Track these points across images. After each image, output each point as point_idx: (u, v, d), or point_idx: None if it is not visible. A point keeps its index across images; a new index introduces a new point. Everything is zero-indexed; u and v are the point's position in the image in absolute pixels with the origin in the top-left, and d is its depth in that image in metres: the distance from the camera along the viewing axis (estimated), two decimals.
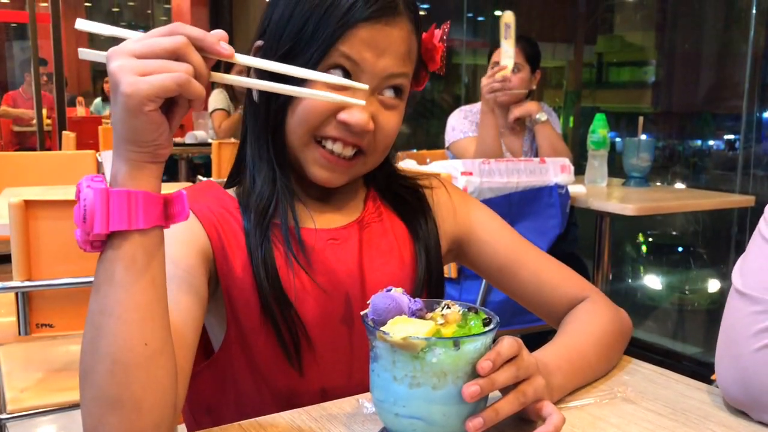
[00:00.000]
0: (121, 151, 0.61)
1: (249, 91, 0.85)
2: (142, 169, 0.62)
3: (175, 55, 0.60)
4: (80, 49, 0.63)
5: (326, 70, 0.78)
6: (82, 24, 0.63)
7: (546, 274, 0.94)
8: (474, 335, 0.64)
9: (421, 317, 0.66)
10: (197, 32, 0.62)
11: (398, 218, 0.92)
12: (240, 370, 0.83)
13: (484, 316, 0.67)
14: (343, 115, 0.79)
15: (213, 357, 0.84)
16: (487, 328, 0.65)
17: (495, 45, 2.76)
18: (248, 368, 0.83)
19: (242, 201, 0.85)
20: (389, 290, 0.67)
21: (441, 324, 0.65)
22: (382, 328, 0.63)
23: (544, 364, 0.76)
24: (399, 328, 0.63)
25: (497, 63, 2.68)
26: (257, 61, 0.68)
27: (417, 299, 0.67)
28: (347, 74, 0.79)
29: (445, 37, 0.87)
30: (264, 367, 0.82)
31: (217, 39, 0.63)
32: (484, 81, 2.52)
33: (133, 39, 0.61)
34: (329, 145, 0.81)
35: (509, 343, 0.66)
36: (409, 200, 0.93)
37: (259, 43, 0.84)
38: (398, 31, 0.80)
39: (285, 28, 0.79)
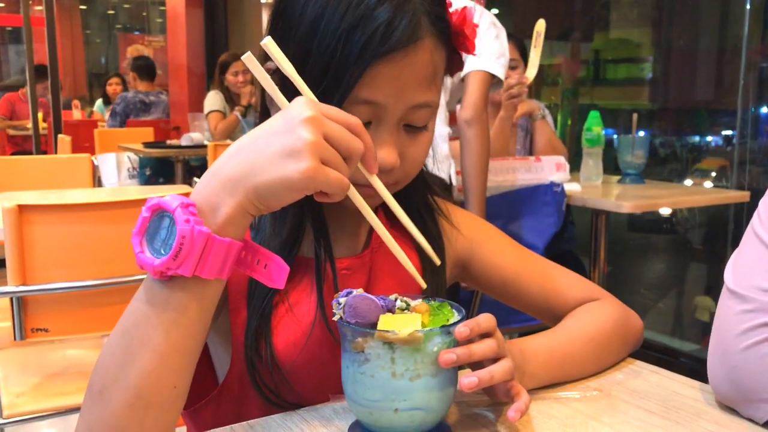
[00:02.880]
0: (239, 196, 0.59)
1: (264, 113, 0.80)
2: (246, 218, 0.60)
3: (348, 157, 0.61)
4: (248, 55, 0.62)
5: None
6: (271, 46, 0.63)
7: (551, 282, 0.93)
8: (465, 319, 0.66)
9: (391, 311, 0.67)
10: (369, 143, 0.63)
11: (407, 239, 0.87)
12: (245, 400, 0.81)
13: (439, 303, 0.70)
14: None
15: (218, 388, 0.82)
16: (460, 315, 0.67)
17: None
18: (254, 399, 0.80)
19: (254, 224, 0.82)
20: (350, 293, 0.66)
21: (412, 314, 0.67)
22: (380, 328, 0.63)
23: (520, 350, 0.77)
24: (396, 325, 0.63)
25: None
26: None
27: (381, 296, 0.67)
28: (369, 116, 0.72)
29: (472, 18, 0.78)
30: (272, 397, 0.80)
31: (375, 157, 0.65)
32: (504, 87, 2.50)
33: (324, 109, 0.60)
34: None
35: (487, 317, 0.67)
36: (427, 223, 0.88)
37: (273, 65, 0.75)
38: (422, 56, 0.71)
39: (303, 64, 0.69)
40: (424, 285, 0.71)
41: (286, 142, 0.58)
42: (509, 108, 2.47)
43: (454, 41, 0.77)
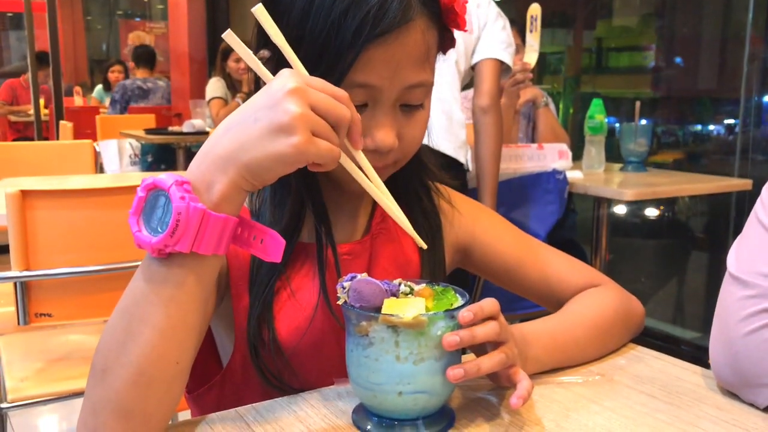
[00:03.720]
0: (231, 173, 0.59)
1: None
2: (241, 194, 0.61)
3: (336, 125, 0.60)
4: (228, 32, 0.61)
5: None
6: (260, 13, 0.62)
7: (552, 268, 0.93)
8: (469, 303, 0.66)
9: (395, 295, 0.67)
10: (356, 117, 0.62)
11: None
12: (249, 385, 0.82)
13: (443, 287, 0.70)
14: (366, 141, 0.73)
15: (222, 373, 0.83)
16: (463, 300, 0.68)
17: None
18: (257, 384, 0.81)
19: (255, 211, 0.82)
20: (354, 277, 0.66)
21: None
22: (384, 312, 0.64)
23: (522, 334, 0.77)
24: (400, 309, 0.64)
25: None
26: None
27: (385, 281, 0.68)
28: (365, 98, 0.73)
29: None
30: (274, 381, 0.80)
31: (360, 132, 0.64)
32: (518, 77, 2.49)
33: (308, 80, 0.60)
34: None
35: (491, 302, 0.67)
36: (423, 201, 0.88)
37: (266, 53, 0.76)
38: (414, 37, 0.71)
39: (297, 50, 0.67)
40: (424, 245, 0.70)
41: (273, 117, 0.58)
42: (512, 95, 2.47)
43: (445, 18, 0.76)
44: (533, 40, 2.49)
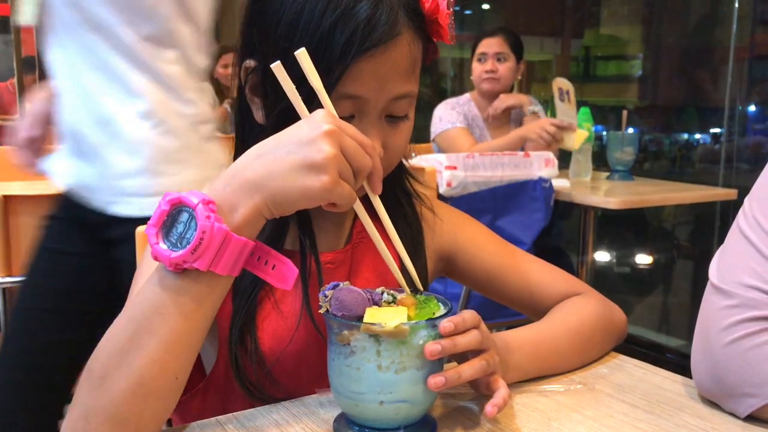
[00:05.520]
0: (257, 199, 0.61)
1: (243, 109, 0.80)
2: (261, 221, 0.63)
3: (358, 172, 0.63)
4: (277, 64, 0.63)
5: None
6: (303, 55, 0.64)
7: (534, 276, 0.93)
8: (452, 312, 0.66)
9: (377, 304, 0.67)
10: (378, 165, 0.65)
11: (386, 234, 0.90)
12: (232, 393, 0.81)
13: (425, 296, 0.70)
14: None
15: (205, 381, 0.82)
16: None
17: (479, 37, 2.78)
18: (240, 392, 0.80)
19: None
20: (336, 285, 0.67)
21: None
22: (366, 321, 0.64)
23: (505, 342, 0.77)
24: (382, 318, 0.64)
25: (483, 54, 2.70)
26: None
27: (367, 289, 0.68)
28: (352, 110, 0.74)
29: (450, 6, 0.78)
30: (255, 392, 0.80)
31: (381, 178, 0.67)
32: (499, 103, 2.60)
33: (340, 124, 0.62)
34: None
35: (472, 313, 0.68)
36: (405, 207, 0.89)
37: (252, 63, 0.77)
38: (401, 50, 0.73)
39: (284, 58, 0.67)
40: (420, 288, 0.72)
41: (307, 154, 0.60)
42: (534, 137, 2.49)
43: (428, 29, 0.77)
44: (570, 108, 2.49)
